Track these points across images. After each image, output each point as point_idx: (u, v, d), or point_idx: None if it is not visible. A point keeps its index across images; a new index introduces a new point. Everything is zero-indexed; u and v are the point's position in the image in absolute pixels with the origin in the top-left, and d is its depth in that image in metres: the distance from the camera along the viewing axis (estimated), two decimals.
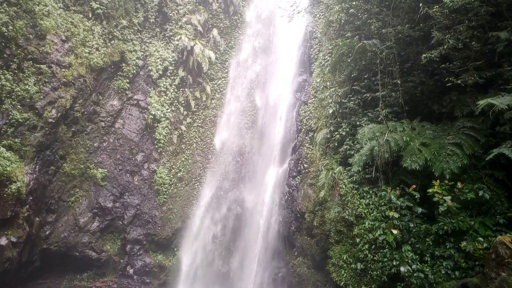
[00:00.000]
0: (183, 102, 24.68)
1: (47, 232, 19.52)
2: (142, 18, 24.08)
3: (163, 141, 23.80)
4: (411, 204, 10.03)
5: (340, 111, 14.87)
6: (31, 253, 17.98)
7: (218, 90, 25.92)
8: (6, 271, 15.97)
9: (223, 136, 25.06)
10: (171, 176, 23.84)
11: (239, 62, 26.24)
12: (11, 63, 17.14)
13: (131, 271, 21.74)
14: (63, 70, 19.17)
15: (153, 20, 24.63)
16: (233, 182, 24.04)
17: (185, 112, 24.74)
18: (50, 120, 18.48)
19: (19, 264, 16.95)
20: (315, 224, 16.03)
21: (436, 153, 9.64)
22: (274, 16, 26.61)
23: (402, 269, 9.28)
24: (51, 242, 19.67)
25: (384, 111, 12.19)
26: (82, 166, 20.83)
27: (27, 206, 17.05)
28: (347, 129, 14.14)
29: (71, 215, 20.52)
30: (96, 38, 21.21)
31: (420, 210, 9.88)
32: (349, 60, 13.45)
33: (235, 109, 25.49)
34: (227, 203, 23.68)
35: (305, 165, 18.64)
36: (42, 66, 18.30)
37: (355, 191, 12.33)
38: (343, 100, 14.77)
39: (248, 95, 25.48)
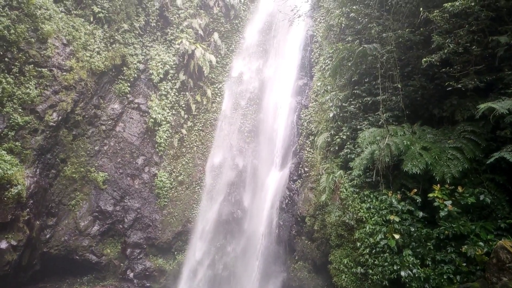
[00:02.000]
0: (184, 105, 24.71)
1: (48, 236, 19.50)
2: (143, 22, 24.18)
3: (163, 144, 23.82)
4: (412, 208, 10.02)
5: (341, 114, 14.88)
6: (31, 256, 17.95)
7: (219, 94, 25.95)
8: (6, 274, 15.94)
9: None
10: (172, 180, 23.83)
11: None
12: (13, 67, 17.19)
13: (131, 275, 21.69)
14: (64, 73, 19.22)
15: (154, 24, 24.72)
16: (234, 186, 24.01)
17: (185, 116, 24.76)
18: (51, 123, 18.50)
19: (19, 267, 16.93)
20: (316, 228, 15.99)
21: (436, 157, 9.63)
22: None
23: (403, 273, 9.25)
24: (52, 245, 19.64)
25: (384, 115, 12.19)
26: (82, 169, 20.84)
27: (28, 209, 17.04)
28: (348, 133, 14.14)
29: (72, 218, 20.51)
30: (97, 41, 21.27)
31: (421, 214, 9.86)
32: (349, 64, 13.47)
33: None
34: (227, 207, 23.63)
35: (306, 169, 18.64)
36: (43, 69, 18.34)
37: (356, 195, 12.31)
38: (343, 104, 14.77)
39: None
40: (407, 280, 9.13)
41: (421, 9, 10.76)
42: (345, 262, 12.04)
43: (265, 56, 25.97)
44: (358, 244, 11.21)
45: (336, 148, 14.79)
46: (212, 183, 24.08)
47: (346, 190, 12.83)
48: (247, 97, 25.24)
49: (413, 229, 9.77)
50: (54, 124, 18.68)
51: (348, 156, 13.62)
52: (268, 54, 25.94)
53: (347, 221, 12.22)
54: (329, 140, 15.50)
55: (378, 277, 10.14)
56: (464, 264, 8.56)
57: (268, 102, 24.29)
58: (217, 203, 23.25)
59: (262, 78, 25.57)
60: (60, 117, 18.96)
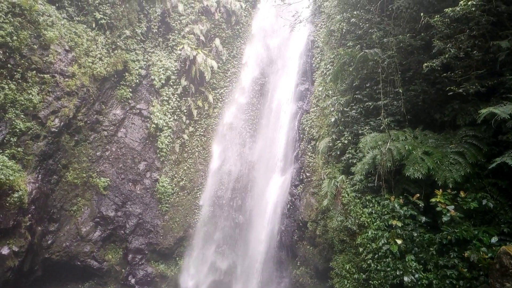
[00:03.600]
0: (185, 111, 24.76)
1: (49, 242, 19.49)
2: (145, 28, 24.30)
3: (165, 150, 23.85)
4: (415, 213, 9.98)
5: (342, 119, 14.89)
6: (33, 262, 17.92)
7: (221, 99, 26.02)
8: (7, 280, 15.90)
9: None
10: (173, 185, 23.83)
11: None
12: (15, 73, 17.26)
13: (132, 280, 21.63)
14: (67, 79, 19.29)
15: (156, 30, 24.84)
16: (235, 191, 24.01)
17: (187, 121, 24.81)
18: (53, 129, 18.55)
19: (20, 273, 16.89)
20: (318, 233, 15.95)
21: (438, 162, 9.61)
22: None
23: (405, 278, 9.19)
24: (53, 251, 19.62)
25: (386, 119, 12.18)
26: (84, 175, 20.85)
27: (29, 215, 17.02)
28: (349, 138, 14.14)
29: (73, 224, 20.49)
30: (100, 48, 21.37)
31: (423, 219, 9.82)
32: (350, 69, 13.48)
33: None
34: (229, 212, 23.62)
35: (307, 174, 18.62)
36: (45, 75, 18.41)
37: (358, 200, 12.28)
38: (345, 109, 14.78)
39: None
40: (410, 285, 9.08)
41: (421, 14, 10.80)
42: (348, 268, 11.98)
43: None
44: (361, 249, 11.16)
45: (338, 153, 14.79)
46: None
47: (348, 195, 12.81)
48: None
49: (416, 234, 9.73)
50: (56, 130, 18.72)
51: (350, 161, 13.61)
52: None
53: (349, 226, 12.18)
54: (330, 145, 15.50)
55: (380, 282, 10.08)
56: (466, 270, 8.50)
57: (269, 108, 24.33)
58: None
59: (262, 83, 25.65)
60: (62, 123, 19.00)
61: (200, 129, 25.29)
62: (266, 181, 22.16)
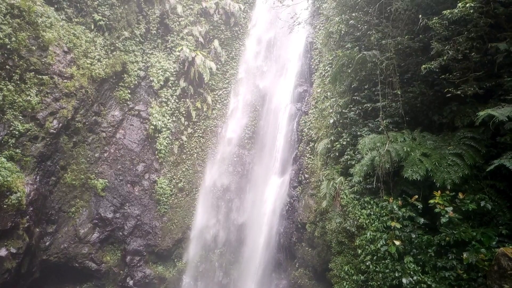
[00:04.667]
0: (184, 112, 24.75)
1: (47, 243, 19.43)
2: (144, 30, 24.29)
3: (164, 151, 23.83)
4: (413, 215, 9.97)
5: (341, 121, 14.89)
6: (31, 264, 17.87)
7: (219, 101, 26.03)
8: (5, 282, 15.85)
9: None
10: (172, 187, 23.80)
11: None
12: (13, 74, 17.23)
13: (131, 282, 21.57)
14: (65, 81, 19.27)
15: (154, 32, 24.84)
16: (235, 192, 23.99)
17: (186, 123, 24.80)
18: (52, 130, 18.52)
19: (18, 275, 16.83)
20: (316, 235, 15.94)
21: (437, 164, 9.61)
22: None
23: (404, 280, 9.19)
24: (51, 253, 19.56)
25: (384, 121, 12.19)
26: (82, 176, 20.81)
27: (27, 217, 16.98)
28: (348, 139, 14.14)
29: (71, 226, 20.44)
30: (98, 49, 21.36)
31: (422, 220, 9.82)
32: (349, 71, 13.50)
33: None
34: (228, 213, 23.59)
35: (306, 176, 18.62)
36: (44, 77, 18.39)
37: (356, 202, 12.27)
38: (343, 110, 14.79)
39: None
40: (408, 287, 9.07)
41: (420, 16, 10.82)
42: (346, 269, 11.98)
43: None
44: (359, 251, 11.16)
45: (337, 154, 14.79)
46: None
47: (347, 196, 12.80)
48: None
49: (414, 236, 9.73)
50: (55, 131, 18.69)
51: (349, 162, 13.61)
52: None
53: (347, 227, 12.18)
54: (329, 146, 15.50)
55: (379, 283, 10.08)
56: (463, 271, 8.50)
57: (268, 109, 24.34)
58: None
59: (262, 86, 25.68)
60: (60, 124, 18.97)
61: (199, 130, 25.30)
62: (265, 182, 22.15)
